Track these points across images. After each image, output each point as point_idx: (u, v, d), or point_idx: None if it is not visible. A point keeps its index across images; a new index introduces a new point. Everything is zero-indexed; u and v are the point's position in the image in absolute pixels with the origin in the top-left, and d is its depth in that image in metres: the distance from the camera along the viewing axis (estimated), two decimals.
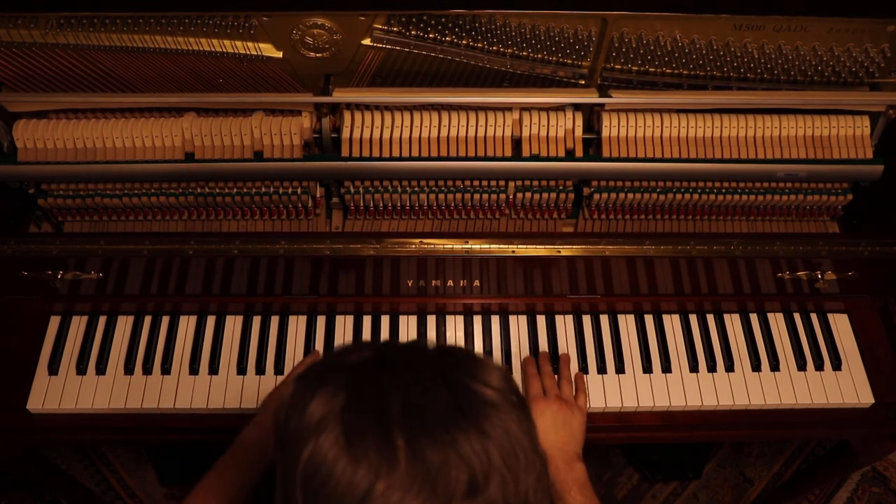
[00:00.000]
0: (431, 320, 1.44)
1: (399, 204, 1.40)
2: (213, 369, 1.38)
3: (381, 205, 1.40)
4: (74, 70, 1.25)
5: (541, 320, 1.45)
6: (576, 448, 1.23)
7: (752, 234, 1.45)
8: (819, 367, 1.41)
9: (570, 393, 1.32)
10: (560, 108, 1.34)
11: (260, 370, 1.38)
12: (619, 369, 1.40)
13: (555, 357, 1.40)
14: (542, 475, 0.70)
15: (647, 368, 1.40)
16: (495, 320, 1.45)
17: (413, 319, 1.44)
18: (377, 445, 0.63)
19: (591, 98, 1.31)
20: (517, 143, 1.35)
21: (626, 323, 1.45)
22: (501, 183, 1.38)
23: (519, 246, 1.33)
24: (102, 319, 1.43)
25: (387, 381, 0.68)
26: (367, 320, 1.44)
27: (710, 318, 1.46)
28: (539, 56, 1.27)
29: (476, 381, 0.70)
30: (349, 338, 1.42)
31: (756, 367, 1.41)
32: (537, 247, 1.34)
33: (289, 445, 0.69)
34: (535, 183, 1.38)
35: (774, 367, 1.41)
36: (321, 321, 1.44)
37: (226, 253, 1.31)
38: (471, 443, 0.64)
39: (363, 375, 0.70)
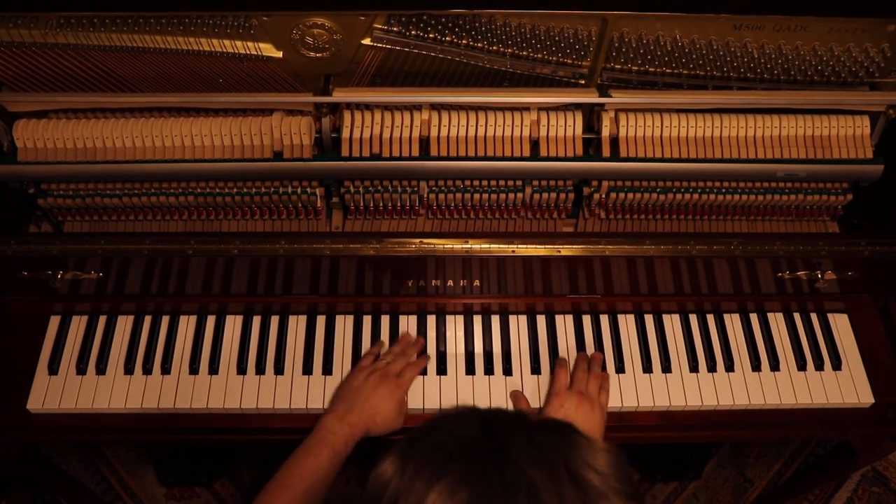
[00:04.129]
0: (431, 320, 1.44)
1: (399, 204, 1.40)
2: (213, 369, 1.38)
3: (381, 205, 1.40)
4: (74, 70, 1.25)
5: (541, 320, 1.45)
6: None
7: (752, 234, 1.45)
8: (819, 367, 1.41)
9: (595, 390, 1.33)
10: (560, 107, 1.34)
11: (260, 370, 1.38)
12: (619, 369, 1.40)
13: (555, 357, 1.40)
14: None
15: (647, 368, 1.40)
16: (495, 320, 1.45)
17: (413, 319, 1.44)
18: None
19: (591, 98, 1.31)
20: (517, 142, 1.35)
21: (626, 323, 1.45)
22: (501, 183, 1.38)
23: (519, 246, 1.33)
24: (102, 319, 1.43)
25: (512, 479, 0.63)
26: (367, 320, 1.44)
27: (710, 318, 1.46)
28: (539, 56, 1.27)
29: (588, 466, 0.66)
30: (349, 337, 1.42)
31: (756, 367, 1.41)
32: (537, 247, 1.34)
33: None
34: (535, 183, 1.38)
35: (774, 367, 1.41)
36: (321, 321, 1.44)
37: (226, 253, 1.31)
38: None
39: (484, 468, 0.65)
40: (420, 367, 1.37)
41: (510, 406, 1.35)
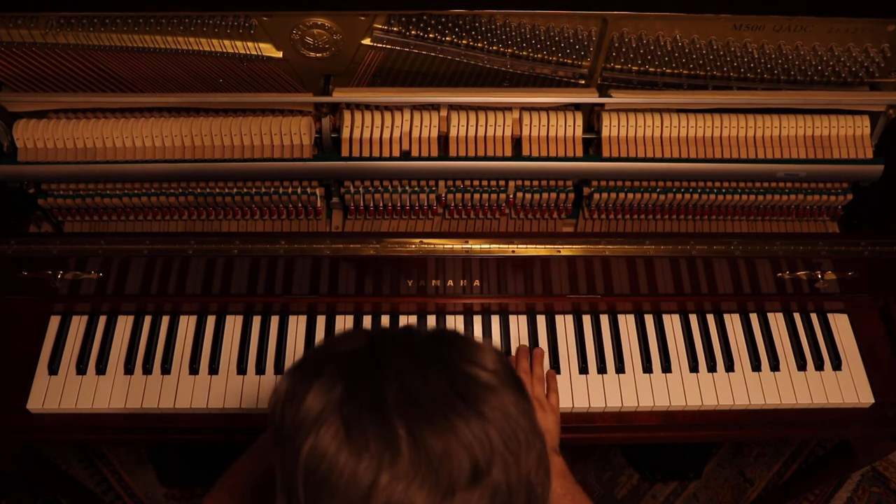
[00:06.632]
0: (431, 320, 1.44)
1: (399, 204, 1.40)
2: (213, 369, 1.38)
3: (381, 205, 1.40)
4: (74, 70, 1.25)
5: (541, 320, 1.45)
6: (550, 443, 1.22)
7: (752, 234, 1.45)
8: (819, 366, 1.41)
9: (542, 392, 1.30)
10: (560, 107, 1.34)
11: (260, 370, 1.38)
12: (619, 369, 1.40)
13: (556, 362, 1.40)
14: (542, 455, 0.69)
15: (647, 368, 1.40)
16: (495, 320, 1.45)
17: (413, 319, 1.44)
18: (378, 436, 0.63)
19: (591, 98, 1.31)
20: (517, 142, 1.35)
21: (626, 323, 1.45)
22: (502, 183, 1.38)
23: (519, 246, 1.33)
24: (102, 319, 1.43)
25: (381, 369, 0.67)
26: (367, 320, 1.44)
27: (710, 318, 1.46)
28: (539, 56, 1.27)
29: (471, 363, 0.69)
30: None
31: (756, 366, 1.41)
32: (537, 247, 1.34)
33: (287, 441, 0.68)
34: (536, 183, 1.38)
35: (774, 367, 1.41)
36: (321, 321, 1.44)
37: (226, 253, 1.31)
38: (471, 428, 0.63)
39: (358, 364, 0.69)
40: None
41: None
